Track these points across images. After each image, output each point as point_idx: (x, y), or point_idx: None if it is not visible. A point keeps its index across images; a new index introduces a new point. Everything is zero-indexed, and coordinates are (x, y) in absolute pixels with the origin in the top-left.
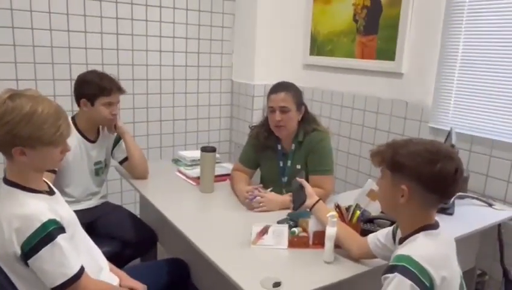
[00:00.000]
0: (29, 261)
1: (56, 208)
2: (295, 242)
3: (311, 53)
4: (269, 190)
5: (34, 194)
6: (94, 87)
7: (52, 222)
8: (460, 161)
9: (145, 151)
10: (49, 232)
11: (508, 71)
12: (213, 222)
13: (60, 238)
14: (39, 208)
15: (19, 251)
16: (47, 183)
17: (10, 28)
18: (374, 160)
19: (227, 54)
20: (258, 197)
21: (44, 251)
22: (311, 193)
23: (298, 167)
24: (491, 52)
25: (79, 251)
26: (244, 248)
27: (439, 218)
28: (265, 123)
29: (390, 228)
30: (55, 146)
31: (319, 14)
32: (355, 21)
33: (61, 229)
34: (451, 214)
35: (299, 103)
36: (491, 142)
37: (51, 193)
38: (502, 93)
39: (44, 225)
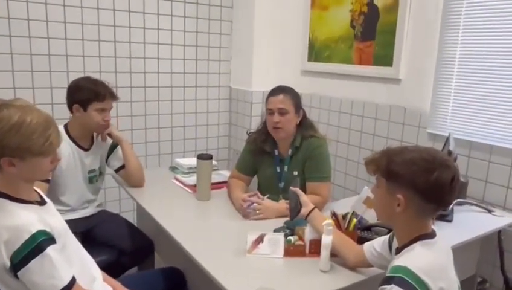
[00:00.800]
0: (18, 274)
1: (46, 218)
2: (291, 251)
3: (309, 59)
4: (266, 197)
5: (24, 205)
6: (87, 93)
7: (41, 233)
8: (457, 168)
9: (143, 158)
10: (39, 243)
11: (506, 76)
12: (209, 231)
13: (50, 250)
14: (29, 219)
15: (8, 263)
16: (38, 193)
17: (7, 37)
18: (369, 168)
19: (226, 60)
20: (255, 205)
21: (34, 263)
22: (306, 202)
23: (295, 173)
24: (489, 57)
25: (71, 261)
26: (239, 257)
27: (437, 225)
28: (262, 128)
29: (387, 237)
30: (45, 156)
31: (317, 21)
32: (353, 27)
33: (51, 240)
34: (450, 221)
35: (298, 106)
36: (490, 148)
37: (41, 203)
38: (501, 98)
39: (34, 236)
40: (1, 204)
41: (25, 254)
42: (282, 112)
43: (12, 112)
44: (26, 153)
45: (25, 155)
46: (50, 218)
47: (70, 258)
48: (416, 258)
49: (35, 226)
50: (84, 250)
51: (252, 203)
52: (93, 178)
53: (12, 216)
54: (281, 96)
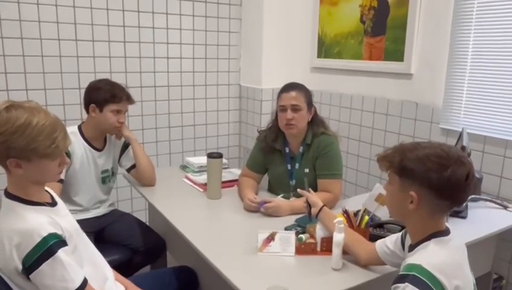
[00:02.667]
0: (30, 276)
1: (57, 219)
2: (302, 249)
3: (319, 56)
4: (280, 196)
5: (34, 207)
6: (105, 94)
7: (52, 235)
8: (471, 165)
9: (154, 157)
10: (50, 246)
11: None
12: (220, 229)
13: (61, 252)
14: (39, 222)
15: (20, 266)
16: (50, 193)
17: (19, 39)
18: (381, 165)
19: (235, 58)
20: (267, 204)
21: (45, 266)
22: (315, 201)
23: (306, 170)
24: (503, 49)
25: (82, 262)
26: (250, 255)
27: (452, 221)
28: (273, 125)
29: (399, 234)
30: (52, 159)
31: (326, 16)
32: (363, 22)
33: (62, 243)
34: (464, 217)
35: (310, 103)
36: (505, 143)
37: (52, 204)
38: None
39: (45, 239)
40: (12, 207)
41: (36, 257)
42: (295, 109)
43: (20, 113)
44: (32, 154)
45: (31, 157)
46: (61, 219)
47: (82, 258)
48: (430, 256)
49: (46, 229)
50: (96, 250)
51: (264, 202)
52: (106, 178)
53: (24, 219)
54: (293, 93)
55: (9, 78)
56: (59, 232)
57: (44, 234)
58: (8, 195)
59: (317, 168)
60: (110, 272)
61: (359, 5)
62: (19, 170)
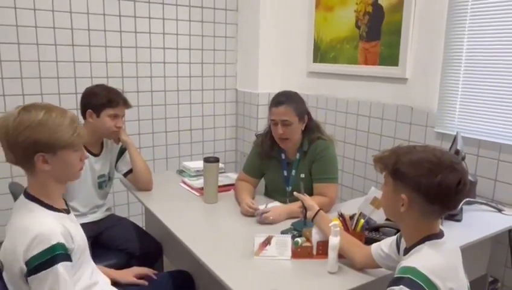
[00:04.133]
0: (28, 279)
1: (70, 229)
2: (299, 253)
3: (315, 60)
4: (276, 202)
5: (52, 212)
6: (101, 99)
7: (60, 246)
8: (464, 171)
9: (151, 162)
10: (54, 256)
11: None
12: (216, 233)
13: (61, 266)
14: (53, 230)
15: (24, 268)
16: (64, 200)
17: (16, 44)
18: (377, 166)
19: (231, 63)
20: (265, 215)
21: (42, 274)
22: (311, 205)
23: (302, 175)
24: (496, 54)
25: (81, 276)
26: (247, 259)
27: (447, 225)
28: (269, 131)
29: (394, 238)
30: (74, 149)
31: (322, 22)
32: (358, 27)
33: (66, 257)
34: (459, 220)
35: (301, 114)
36: (499, 146)
37: (68, 211)
38: (509, 95)
39: (53, 248)
40: (31, 208)
41: (39, 263)
42: (285, 124)
43: (38, 110)
44: (56, 145)
45: (55, 148)
46: (74, 228)
47: (82, 270)
48: (424, 259)
49: (56, 238)
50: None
51: (262, 213)
52: (103, 183)
53: (40, 223)
54: (282, 108)
55: (5, 83)
56: (68, 245)
57: (54, 242)
58: (28, 196)
59: (313, 172)
60: (103, 279)
61: (354, 10)
62: (46, 166)
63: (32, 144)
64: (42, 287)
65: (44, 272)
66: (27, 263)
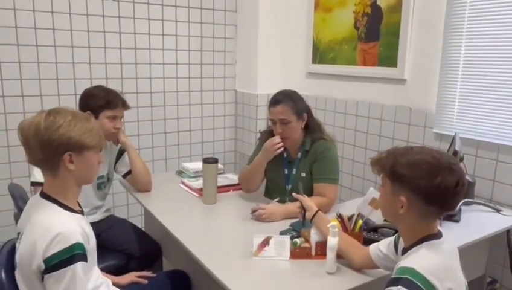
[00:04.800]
0: (45, 276)
1: (86, 229)
2: (297, 253)
3: (314, 61)
4: (275, 200)
5: (70, 213)
6: (100, 100)
7: (79, 246)
8: (462, 172)
9: (150, 163)
10: (73, 255)
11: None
12: (215, 234)
13: (79, 265)
14: (73, 229)
15: (42, 264)
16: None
17: (15, 46)
18: (374, 168)
19: (230, 64)
20: (260, 210)
21: (60, 272)
22: (309, 206)
23: (303, 174)
24: (494, 55)
25: (92, 276)
26: (245, 260)
27: (445, 225)
28: (272, 130)
29: (392, 238)
30: (96, 151)
31: (320, 23)
32: (357, 28)
33: (84, 257)
34: (457, 221)
35: (300, 112)
36: (497, 147)
37: (82, 212)
38: (507, 96)
39: (72, 247)
40: (51, 207)
41: (57, 261)
42: (284, 122)
43: (65, 113)
44: (85, 145)
45: (83, 148)
46: (89, 229)
47: (91, 271)
48: (422, 259)
49: (76, 238)
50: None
51: (257, 209)
52: (101, 184)
53: (60, 222)
54: (279, 108)
55: (5, 84)
56: (86, 245)
57: (73, 242)
58: (46, 196)
59: (313, 172)
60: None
61: (353, 11)
62: (71, 166)
63: (66, 142)
64: (58, 285)
65: (62, 270)
66: (46, 261)
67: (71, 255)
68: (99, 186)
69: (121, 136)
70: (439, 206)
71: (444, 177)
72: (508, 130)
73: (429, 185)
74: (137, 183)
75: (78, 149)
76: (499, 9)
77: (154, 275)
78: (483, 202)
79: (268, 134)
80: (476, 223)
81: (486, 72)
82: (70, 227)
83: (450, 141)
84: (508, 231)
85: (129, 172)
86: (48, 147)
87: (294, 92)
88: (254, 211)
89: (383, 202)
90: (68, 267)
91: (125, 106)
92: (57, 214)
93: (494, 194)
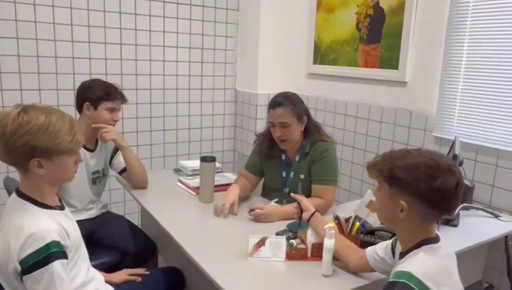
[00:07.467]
0: (23, 278)
1: (66, 226)
2: (293, 254)
3: (315, 62)
4: (274, 201)
5: (46, 210)
6: (99, 92)
7: (55, 244)
8: (460, 174)
9: (148, 160)
10: (49, 254)
11: None
12: (210, 233)
13: (57, 263)
14: (48, 228)
15: (19, 267)
16: (58, 197)
17: (15, 39)
18: (371, 173)
19: (231, 63)
20: (258, 210)
21: (38, 273)
22: (307, 206)
23: (302, 176)
24: (496, 59)
25: (77, 273)
26: (241, 260)
27: (443, 230)
28: (268, 132)
29: (389, 242)
30: (71, 155)
31: (322, 23)
32: (359, 30)
33: (62, 254)
34: (456, 225)
35: (300, 114)
36: (497, 152)
37: (62, 207)
38: (508, 101)
39: (47, 246)
40: (24, 207)
41: (33, 262)
42: (283, 126)
43: (38, 113)
44: (54, 152)
45: (52, 155)
46: (69, 224)
47: (78, 266)
48: (419, 264)
49: (51, 237)
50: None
51: (254, 209)
52: (97, 179)
53: (35, 221)
54: (279, 110)
55: (3, 78)
56: (64, 242)
57: (48, 241)
58: (21, 195)
59: (312, 174)
60: (97, 275)
61: (355, 12)
62: (41, 170)
63: (31, 149)
64: (38, 286)
65: (39, 271)
66: (21, 262)
67: (47, 255)
68: (94, 181)
69: (113, 135)
70: (439, 209)
71: (444, 179)
72: (508, 136)
73: (430, 188)
74: (133, 180)
75: (46, 155)
76: (502, 14)
77: (148, 272)
78: (481, 207)
79: (265, 136)
80: (474, 228)
81: (487, 76)
82: (45, 225)
83: (449, 145)
84: (506, 236)
85: (125, 169)
86: (13, 152)
87: (294, 94)
88: (252, 210)
89: (380, 206)
90: (45, 267)
91: (123, 98)
92: (31, 214)
93: (492, 199)
